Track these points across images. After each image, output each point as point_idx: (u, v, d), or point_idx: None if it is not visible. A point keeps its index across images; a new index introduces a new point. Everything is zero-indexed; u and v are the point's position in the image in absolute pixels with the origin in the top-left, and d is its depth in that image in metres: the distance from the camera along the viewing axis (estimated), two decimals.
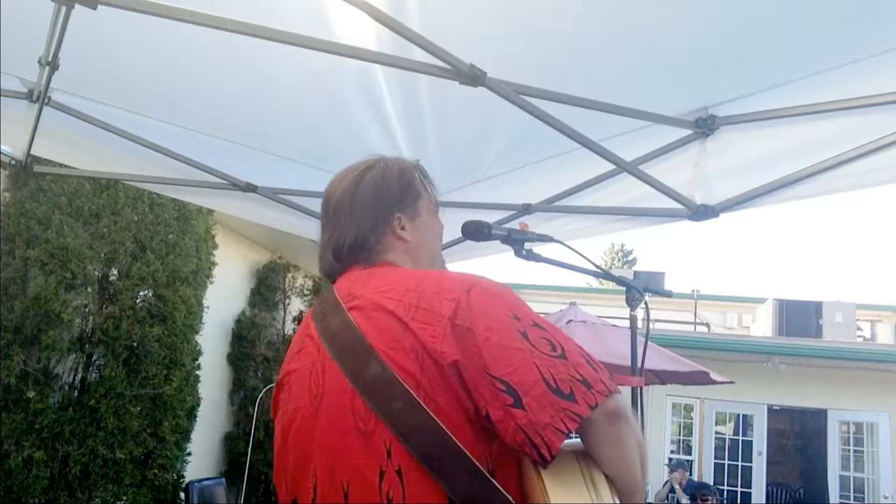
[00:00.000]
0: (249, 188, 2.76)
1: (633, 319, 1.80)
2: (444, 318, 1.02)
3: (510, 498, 0.98)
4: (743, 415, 11.05)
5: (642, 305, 1.77)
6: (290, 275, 7.84)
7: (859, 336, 13.44)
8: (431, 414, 0.98)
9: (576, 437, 1.02)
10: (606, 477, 1.01)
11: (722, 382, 6.26)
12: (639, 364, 1.79)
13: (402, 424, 0.99)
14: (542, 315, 1.09)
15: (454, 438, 0.98)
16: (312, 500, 1.06)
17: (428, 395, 0.99)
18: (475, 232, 1.53)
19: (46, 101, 2.17)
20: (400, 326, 1.04)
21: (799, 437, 13.71)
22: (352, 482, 1.01)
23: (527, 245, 1.62)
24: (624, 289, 1.77)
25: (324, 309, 1.17)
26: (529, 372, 0.97)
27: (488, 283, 1.08)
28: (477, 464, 0.98)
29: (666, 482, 8.08)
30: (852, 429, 10.86)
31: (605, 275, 1.99)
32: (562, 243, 1.68)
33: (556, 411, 0.95)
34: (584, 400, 0.96)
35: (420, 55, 1.59)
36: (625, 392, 1.81)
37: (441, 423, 0.98)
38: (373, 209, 1.23)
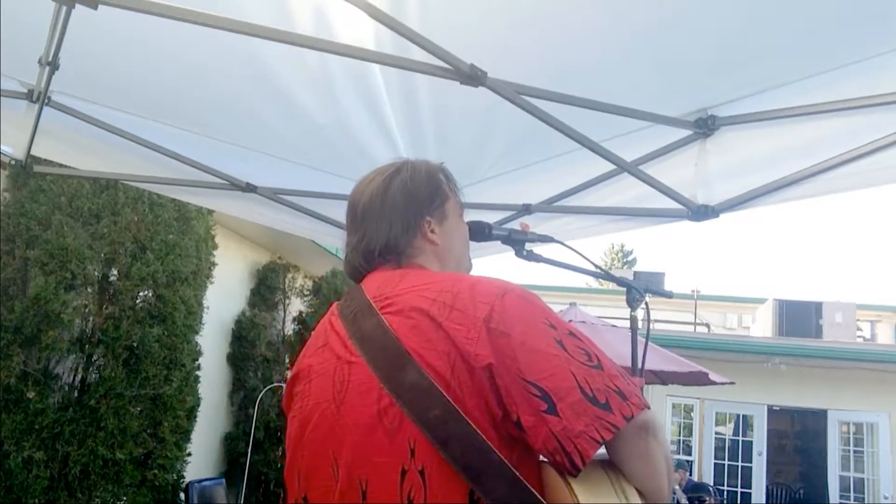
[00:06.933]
0: (249, 188, 2.76)
1: (633, 320, 1.80)
2: (479, 321, 1.01)
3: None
4: (743, 415, 11.06)
5: (643, 306, 1.77)
6: (290, 275, 7.84)
7: (859, 336, 13.47)
8: (470, 423, 0.97)
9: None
10: (637, 490, 1.00)
11: (722, 383, 6.25)
12: (639, 364, 1.79)
13: (440, 432, 0.97)
14: None
15: (493, 447, 0.96)
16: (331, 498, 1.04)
17: (458, 398, 0.98)
18: (476, 232, 1.54)
19: (46, 101, 2.17)
20: (433, 326, 1.03)
21: (799, 438, 13.71)
22: (371, 480, 1.00)
23: (527, 245, 1.62)
24: (624, 289, 1.77)
25: (353, 309, 1.15)
26: (565, 378, 0.97)
27: (522, 290, 1.09)
28: (516, 472, 0.96)
29: None
30: (852, 429, 10.87)
31: (605, 275, 2.00)
32: (562, 243, 1.68)
33: (591, 420, 0.94)
34: (619, 410, 0.96)
35: (420, 55, 1.59)
36: None
37: (479, 432, 0.97)
38: (404, 212, 1.22)
